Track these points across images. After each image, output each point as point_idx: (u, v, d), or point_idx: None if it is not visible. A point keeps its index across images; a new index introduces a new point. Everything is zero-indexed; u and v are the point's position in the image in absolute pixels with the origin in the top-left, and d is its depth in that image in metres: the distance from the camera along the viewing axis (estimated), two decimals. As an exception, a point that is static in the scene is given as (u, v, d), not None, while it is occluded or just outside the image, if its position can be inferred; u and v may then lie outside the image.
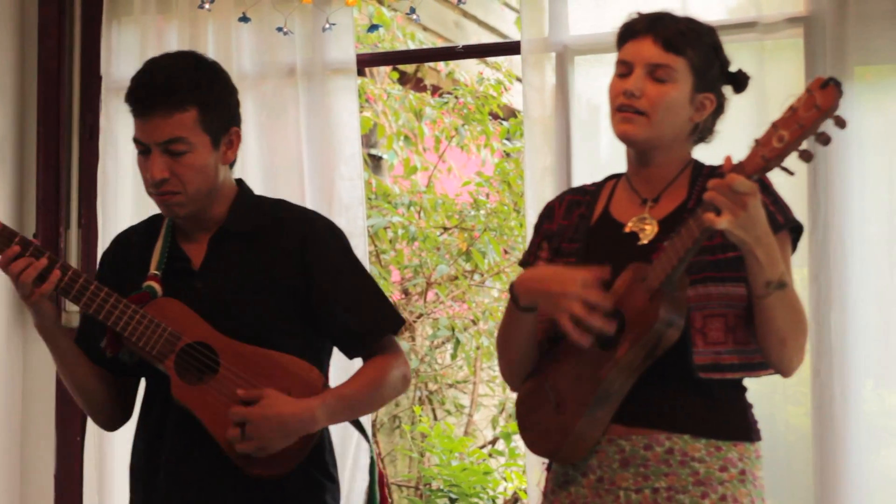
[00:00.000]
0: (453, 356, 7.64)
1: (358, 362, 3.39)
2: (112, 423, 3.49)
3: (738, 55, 4.50)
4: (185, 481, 3.23)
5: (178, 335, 3.20)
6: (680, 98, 3.03)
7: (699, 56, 3.04)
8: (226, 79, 3.31)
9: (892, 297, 4.41)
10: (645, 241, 3.03)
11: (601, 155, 4.72)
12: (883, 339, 4.40)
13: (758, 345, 2.96)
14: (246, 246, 3.30)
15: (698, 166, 3.12)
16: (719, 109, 3.12)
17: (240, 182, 3.40)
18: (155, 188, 3.20)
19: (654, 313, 2.86)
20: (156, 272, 3.28)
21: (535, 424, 3.11)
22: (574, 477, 3.05)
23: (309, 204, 4.88)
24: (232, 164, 3.34)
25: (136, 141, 3.21)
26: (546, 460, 3.20)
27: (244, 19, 4.93)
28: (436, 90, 8.09)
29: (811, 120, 2.64)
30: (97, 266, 3.46)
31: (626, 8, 3.95)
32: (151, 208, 4.10)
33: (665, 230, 2.99)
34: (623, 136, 3.07)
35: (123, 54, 5.18)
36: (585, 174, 4.62)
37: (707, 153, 3.16)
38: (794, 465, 4.45)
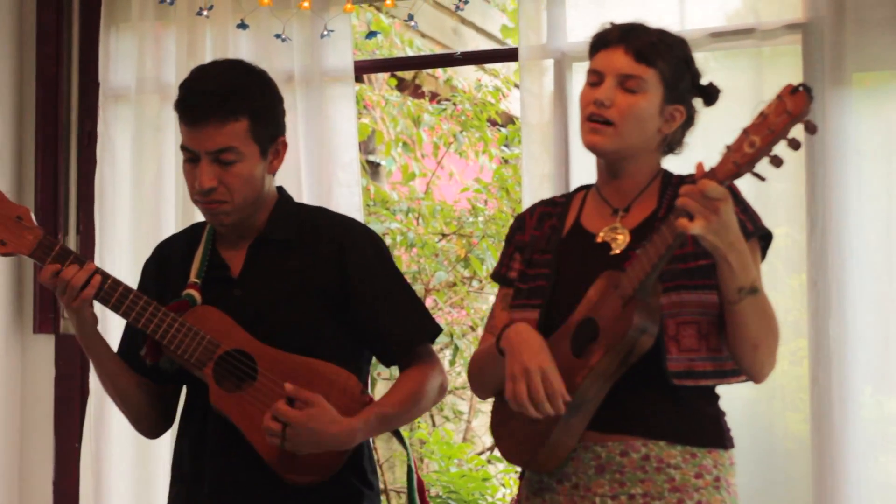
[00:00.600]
0: (452, 362, 7.63)
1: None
2: (154, 430, 3.49)
3: (737, 62, 4.54)
4: (226, 488, 3.24)
5: (216, 343, 3.20)
6: (649, 109, 3.04)
7: (670, 68, 3.05)
8: (275, 87, 3.32)
9: (891, 304, 4.40)
10: (617, 251, 3.05)
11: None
12: (881, 345, 4.39)
13: (730, 351, 2.97)
14: (285, 253, 3.31)
15: (668, 175, 3.14)
16: (689, 121, 3.14)
17: (280, 189, 3.41)
18: (202, 196, 3.20)
19: (628, 320, 2.87)
20: (195, 280, 3.29)
21: (509, 434, 3.11)
22: (549, 484, 3.05)
23: (307, 210, 4.89)
24: (273, 175, 3.35)
25: (185, 149, 3.20)
26: (520, 469, 3.21)
27: (242, 26, 4.93)
28: (434, 97, 8.10)
29: (781, 125, 2.66)
30: (140, 276, 3.47)
31: (624, 14, 3.95)
32: (149, 215, 4.11)
33: (637, 239, 3.01)
34: (591, 147, 3.08)
35: (121, 61, 5.19)
36: (584, 180, 4.55)
37: (696, 159, 3.16)
38: (792, 471, 4.45)
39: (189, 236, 3.43)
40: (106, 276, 3.19)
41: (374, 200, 7.36)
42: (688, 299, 2.96)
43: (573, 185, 4.62)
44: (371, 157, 8.09)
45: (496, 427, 3.17)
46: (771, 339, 2.94)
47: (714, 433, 3.04)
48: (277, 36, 4.89)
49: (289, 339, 3.23)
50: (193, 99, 3.18)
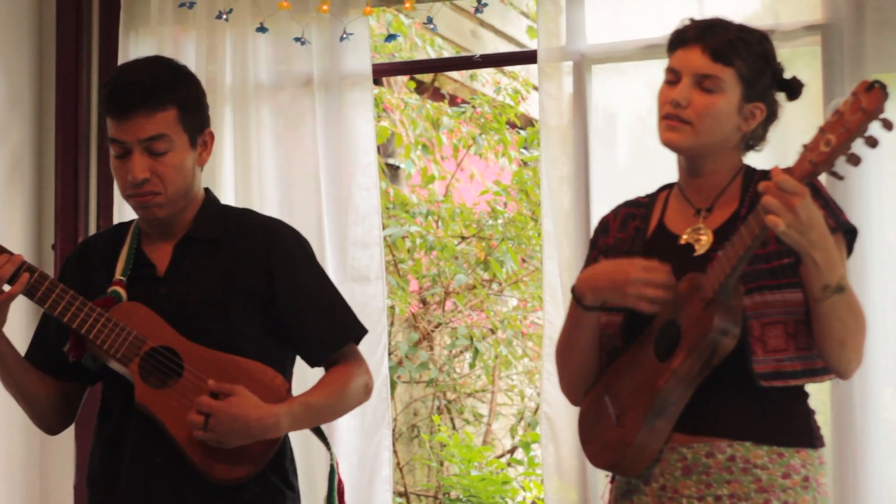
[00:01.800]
0: (472, 365, 7.64)
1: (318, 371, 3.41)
2: (55, 427, 3.50)
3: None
4: (145, 487, 3.23)
5: (142, 339, 3.21)
6: (727, 108, 3.03)
7: (748, 66, 3.04)
8: (198, 81, 3.34)
9: (912, 304, 4.39)
10: (700, 252, 3.04)
11: (618, 163, 4.71)
12: (903, 346, 4.38)
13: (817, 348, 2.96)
14: (210, 253, 3.31)
15: (750, 172, 3.13)
16: (771, 117, 3.12)
17: (207, 191, 3.42)
18: (136, 188, 3.20)
19: (709, 323, 2.86)
20: (121, 277, 3.29)
21: (596, 437, 3.12)
22: (637, 486, 3.05)
23: (326, 213, 4.90)
24: (201, 169, 3.36)
25: (115, 142, 3.21)
26: (609, 473, 3.20)
27: (262, 30, 4.94)
28: (453, 99, 8.10)
29: (857, 123, 2.64)
30: (60, 269, 3.47)
31: (643, 17, 3.96)
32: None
33: (720, 239, 2.99)
34: (668, 144, 3.07)
35: (141, 65, 5.19)
36: (603, 183, 4.62)
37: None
38: (813, 473, 4.44)
39: (113, 235, 3.44)
40: (32, 269, 3.19)
41: (394, 203, 7.37)
42: (772, 299, 2.95)
43: (592, 188, 4.63)
44: (390, 160, 8.10)
45: (584, 431, 3.18)
46: (859, 335, 2.93)
47: (802, 432, 3.02)
48: (297, 39, 4.91)
49: (214, 338, 3.24)
50: (122, 91, 3.19)
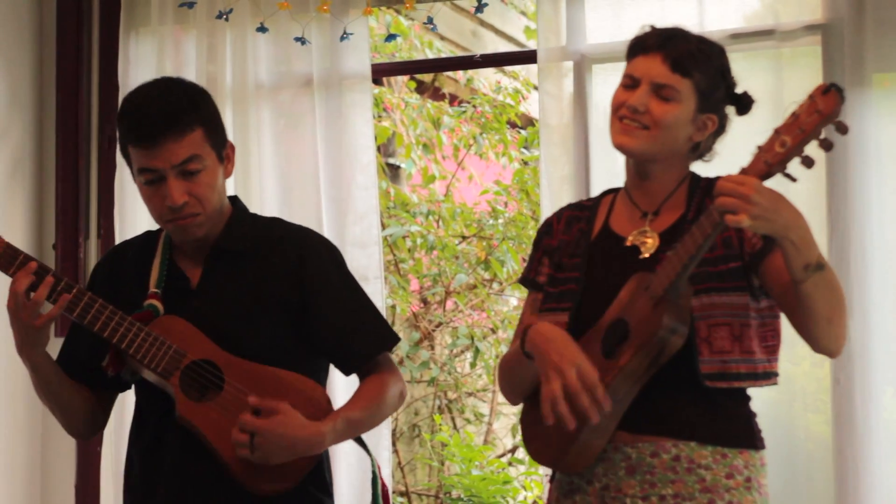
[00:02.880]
0: (472, 365, 7.64)
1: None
2: (86, 434, 3.50)
3: (756, 63, 4.53)
4: (184, 499, 3.23)
5: (182, 353, 3.20)
6: (682, 118, 3.05)
7: (706, 78, 3.07)
8: (211, 98, 3.33)
9: (913, 304, 4.39)
10: (646, 255, 3.06)
11: (619, 163, 4.64)
12: (904, 346, 4.38)
13: (763, 354, 2.99)
14: (242, 264, 3.31)
15: (696, 179, 3.16)
16: (720, 129, 3.15)
17: (234, 200, 3.42)
18: (176, 213, 3.19)
19: (658, 321, 2.88)
20: (156, 290, 3.28)
21: (539, 435, 3.11)
22: (579, 485, 3.06)
23: (325, 213, 4.90)
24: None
25: (146, 170, 3.19)
26: (550, 471, 3.21)
27: (262, 29, 4.94)
28: (453, 99, 8.10)
29: (812, 125, 2.66)
30: (89, 277, 3.46)
31: (643, 16, 3.95)
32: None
33: (666, 243, 3.02)
34: (621, 147, 3.11)
35: (141, 65, 5.19)
36: (603, 183, 4.59)
37: (720, 164, 3.16)
38: (814, 473, 4.44)
39: (143, 244, 3.42)
40: (70, 286, 3.17)
41: (395, 203, 7.36)
42: (718, 301, 2.97)
43: (593, 188, 4.63)
44: (391, 160, 8.10)
45: (526, 429, 3.18)
46: (842, 311, 2.93)
47: (745, 434, 3.05)
48: (297, 39, 4.91)
49: (249, 350, 3.24)
50: (146, 120, 3.17)
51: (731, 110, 3.15)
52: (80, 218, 5.33)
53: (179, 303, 3.27)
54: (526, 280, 3.29)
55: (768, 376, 3.03)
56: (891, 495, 4.34)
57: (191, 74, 5.10)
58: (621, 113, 3.07)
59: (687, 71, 3.04)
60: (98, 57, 5.37)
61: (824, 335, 2.93)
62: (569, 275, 3.15)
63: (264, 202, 4.91)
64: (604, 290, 3.04)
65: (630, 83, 3.08)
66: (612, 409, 2.93)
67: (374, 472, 3.46)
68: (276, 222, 3.50)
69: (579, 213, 3.26)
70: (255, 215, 3.47)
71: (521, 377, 3.14)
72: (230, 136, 4.89)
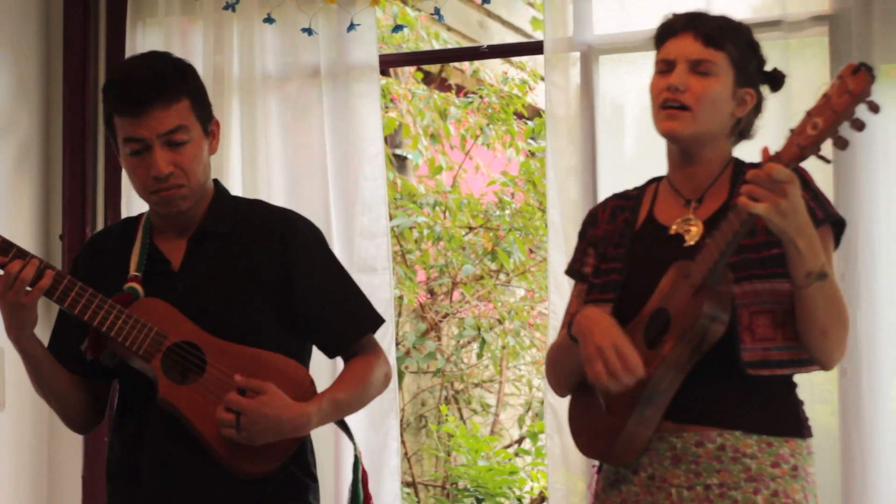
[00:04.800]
0: (479, 356, 7.64)
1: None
2: (85, 426, 3.50)
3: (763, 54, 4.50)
4: (168, 484, 3.23)
5: (164, 334, 3.19)
6: (723, 92, 3.06)
7: (738, 51, 3.08)
8: (196, 72, 3.35)
9: (920, 296, 4.39)
10: (691, 243, 3.05)
11: (626, 154, 4.71)
12: (911, 337, 4.37)
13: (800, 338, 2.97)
14: (225, 246, 3.31)
15: (739, 164, 3.15)
16: (758, 107, 3.15)
17: (216, 182, 3.42)
18: (160, 183, 3.20)
19: (698, 309, 2.88)
20: (136, 273, 3.28)
21: (586, 428, 3.13)
22: (625, 475, 3.07)
23: (332, 204, 4.90)
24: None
25: (132, 140, 3.19)
26: (597, 462, 3.22)
27: (269, 20, 4.94)
28: (460, 90, 8.10)
29: (844, 105, 2.67)
30: (69, 271, 3.41)
31: (650, 7, 3.94)
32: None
33: (710, 230, 3.00)
34: (668, 133, 3.09)
35: (148, 56, 5.19)
36: (610, 174, 4.61)
37: (737, 151, 3.16)
38: (820, 464, 4.37)
39: (123, 230, 3.42)
40: (50, 267, 3.17)
41: (401, 194, 7.36)
42: (760, 288, 2.97)
43: (600, 179, 4.62)
44: (398, 151, 8.10)
45: (573, 421, 3.19)
46: (840, 325, 2.94)
47: (791, 422, 3.05)
48: (304, 30, 4.90)
49: (232, 332, 3.24)
50: (134, 87, 3.18)
51: (764, 89, 3.15)
52: (87, 209, 5.33)
53: (161, 285, 3.27)
54: (571, 271, 3.31)
55: (813, 362, 3.01)
56: (897, 486, 4.34)
57: (198, 65, 5.06)
58: (663, 98, 3.06)
59: (720, 44, 3.05)
60: (105, 48, 5.37)
61: (818, 346, 2.95)
62: (613, 265, 3.16)
63: (272, 193, 4.90)
64: (648, 280, 3.04)
65: (665, 68, 3.08)
66: (655, 399, 2.95)
67: (355, 457, 3.45)
68: (258, 204, 3.50)
69: (624, 203, 3.26)
70: (237, 197, 3.48)
71: (567, 365, 3.14)
72: (237, 128, 4.97)
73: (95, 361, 3.28)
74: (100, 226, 5.32)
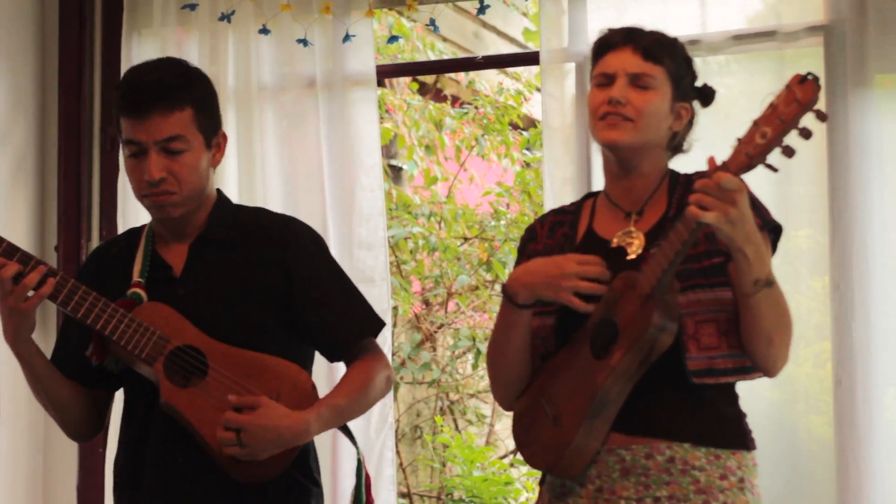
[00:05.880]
0: (474, 366, 7.64)
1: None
2: (84, 435, 3.50)
3: (758, 64, 4.54)
4: (170, 488, 3.24)
5: (167, 338, 3.21)
6: (662, 105, 3.08)
7: (675, 65, 3.11)
8: (210, 82, 3.35)
9: (915, 305, 4.39)
10: (633, 256, 3.06)
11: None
12: (905, 347, 4.38)
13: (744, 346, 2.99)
14: (226, 252, 3.32)
15: (675, 175, 3.17)
16: (691, 122, 3.18)
17: (219, 191, 3.43)
18: (152, 188, 3.21)
19: (647, 319, 2.89)
20: (139, 279, 3.29)
21: (533, 440, 3.12)
22: (572, 488, 3.06)
23: (330, 215, 4.90)
24: (214, 171, 3.38)
25: (131, 142, 3.21)
26: (539, 475, 3.23)
27: (264, 31, 4.95)
28: (456, 101, 8.10)
29: (792, 115, 2.69)
30: (74, 276, 3.43)
31: (645, 18, 3.96)
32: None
33: (652, 242, 3.02)
34: (609, 142, 3.10)
35: (144, 67, 5.19)
36: (606, 184, 4.62)
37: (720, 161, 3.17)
38: (816, 474, 4.44)
39: (127, 239, 3.45)
40: (55, 272, 3.19)
41: (397, 204, 7.37)
42: (704, 297, 2.98)
43: (595, 189, 4.63)
44: (393, 161, 8.10)
45: (520, 433, 3.18)
46: (785, 332, 2.97)
47: (737, 434, 3.05)
48: (299, 41, 4.91)
49: (233, 336, 3.25)
50: (138, 91, 3.20)
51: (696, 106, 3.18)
52: (83, 220, 5.34)
53: (163, 291, 3.28)
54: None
55: (757, 370, 3.03)
56: (892, 496, 4.34)
57: (193, 76, 5.11)
58: (602, 111, 3.07)
59: (658, 58, 3.08)
60: (100, 59, 5.38)
61: (763, 354, 2.97)
62: None
63: (268, 204, 4.89)
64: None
65: (604, 81, 3.10)
66: (604, 410, 2.95)
67: (358, 461, 3.46)
68: (259, 211, 3.52)
69: (562, 218, 3.27)
70: (238, 205, 3.49)
71: (514, 346, 3.13)
72: (234, 139, 4.97)
73: (99, 367, 3.29)
74: (95, 237, 5.32)
